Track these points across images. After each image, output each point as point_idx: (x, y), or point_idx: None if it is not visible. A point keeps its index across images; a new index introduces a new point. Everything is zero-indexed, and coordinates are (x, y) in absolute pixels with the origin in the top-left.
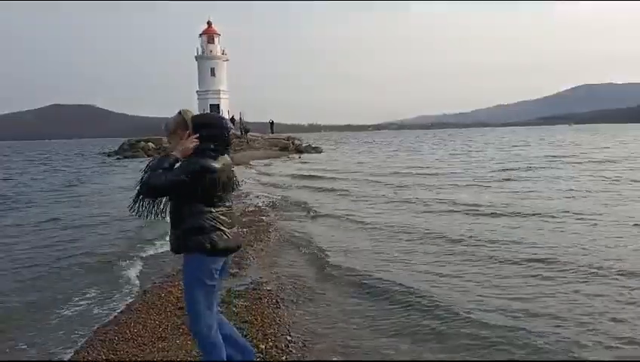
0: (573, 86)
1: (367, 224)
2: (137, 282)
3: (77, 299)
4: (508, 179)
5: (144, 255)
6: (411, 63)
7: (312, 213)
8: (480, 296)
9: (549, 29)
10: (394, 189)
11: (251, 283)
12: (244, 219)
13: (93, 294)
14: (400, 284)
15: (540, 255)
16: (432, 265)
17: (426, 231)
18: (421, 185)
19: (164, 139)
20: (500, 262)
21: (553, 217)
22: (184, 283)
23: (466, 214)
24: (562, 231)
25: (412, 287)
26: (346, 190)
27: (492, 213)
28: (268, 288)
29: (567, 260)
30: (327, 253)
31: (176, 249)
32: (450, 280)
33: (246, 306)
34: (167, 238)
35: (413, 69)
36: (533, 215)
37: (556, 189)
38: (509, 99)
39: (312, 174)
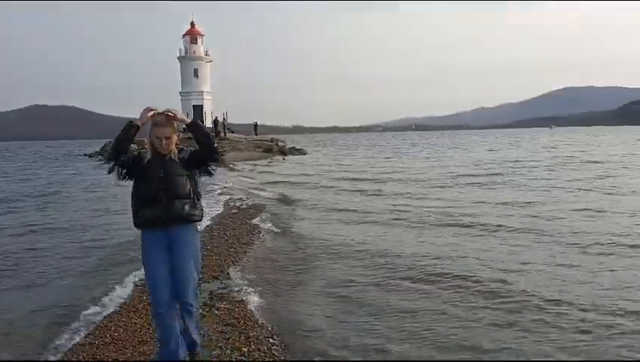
0: (556, 88)
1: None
2: (118, 286)
3: (55, 303)
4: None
5: (125, 257)
6: (397, 65)
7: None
8: None
9: (533, 32)
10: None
11: (234, 285)
12: (228, 221)
13: (73, 297)
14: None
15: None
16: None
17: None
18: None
19: (146, 140)
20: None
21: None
22: (195, 253)
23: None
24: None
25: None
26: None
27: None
28: (250, 290)
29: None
30: (309, 254)
31: (187, 218)
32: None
33: (228, 309)
34: (161, 210)
35: (399, 70)
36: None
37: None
38: (492, 101)
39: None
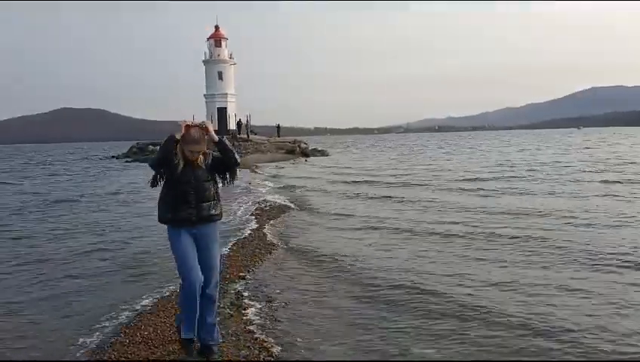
0: (584, 88)
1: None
2: (151, 284)
3: (84, 301)
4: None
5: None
6: (417, 65)
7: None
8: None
9: (561, 30)
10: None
11: (260, 285)
12: (253, 222)
13: (106, 297)
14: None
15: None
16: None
17: None
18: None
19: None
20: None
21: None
22: (217, 248)
23: None
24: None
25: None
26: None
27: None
28: (277, 290)
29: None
30: (335, 257)
31: (211, 218)
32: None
33: (255, 309)
34: (190, 212)
35: (420, 71)
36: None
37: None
38: (518, 101)
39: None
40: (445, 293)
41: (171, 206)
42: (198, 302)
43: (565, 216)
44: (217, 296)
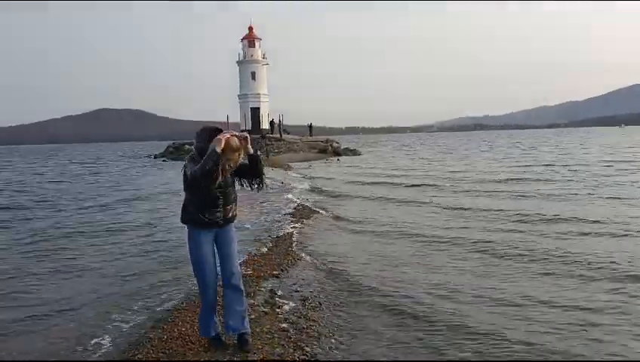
0: (623, 86)
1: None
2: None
3: (129, 296)
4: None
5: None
6: (451, 64)
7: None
8: None
9: (601, 26)
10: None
11: (294, 284)
12: (287, 222)
13: (146, 293)
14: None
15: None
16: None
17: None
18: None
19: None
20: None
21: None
22: (235, 242)
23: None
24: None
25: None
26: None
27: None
28: (310, 289)
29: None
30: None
31: (233, 219)
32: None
33: (289, 307)
34: (218, 215)
35: (455, 69)
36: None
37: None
38: (554, 99)
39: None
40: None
41: (200, 209)
42: (215, 301)
43: None
44: (242, 287)
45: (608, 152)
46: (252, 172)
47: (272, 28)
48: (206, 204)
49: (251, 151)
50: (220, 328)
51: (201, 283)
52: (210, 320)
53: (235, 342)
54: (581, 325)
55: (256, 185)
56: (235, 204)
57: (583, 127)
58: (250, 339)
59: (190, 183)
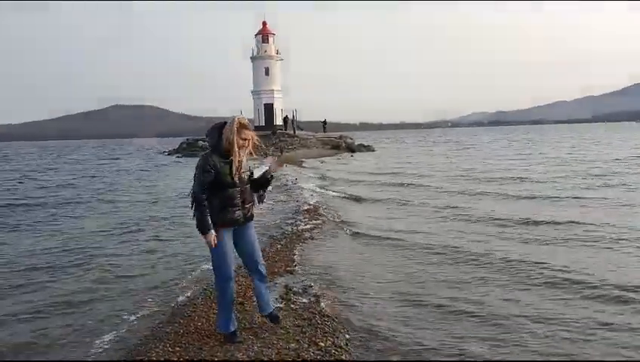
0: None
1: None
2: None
3: (147, 291)
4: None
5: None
6: (464, 59)
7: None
8: None
9: (616, 18)
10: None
11: (308, 280)
12: (300, 219)
13: (160, 288)
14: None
15: None
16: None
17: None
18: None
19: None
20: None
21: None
22: (255, 237)
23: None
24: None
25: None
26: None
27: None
28: (324, 285)
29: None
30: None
31: (252, 217)
32: None
33: (304, 303)
34: (238, 214)
35: (468, 63)
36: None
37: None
38: (570, 95)
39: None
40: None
41: (220, 208)
42: (233, 298)
43: None
44: (265, 276)
45: None
46: (258, 188)
47: (284, 24)
48: (225, 203)
49: (271, 172)
50: (237, 324)
51: (221, 279)
52: (229, 315)
53: (267, 322)
54: None
55: (257, 197)
56: (253, 204)
57: (604, 122)
58: (279, 315)
59: (192, 200)
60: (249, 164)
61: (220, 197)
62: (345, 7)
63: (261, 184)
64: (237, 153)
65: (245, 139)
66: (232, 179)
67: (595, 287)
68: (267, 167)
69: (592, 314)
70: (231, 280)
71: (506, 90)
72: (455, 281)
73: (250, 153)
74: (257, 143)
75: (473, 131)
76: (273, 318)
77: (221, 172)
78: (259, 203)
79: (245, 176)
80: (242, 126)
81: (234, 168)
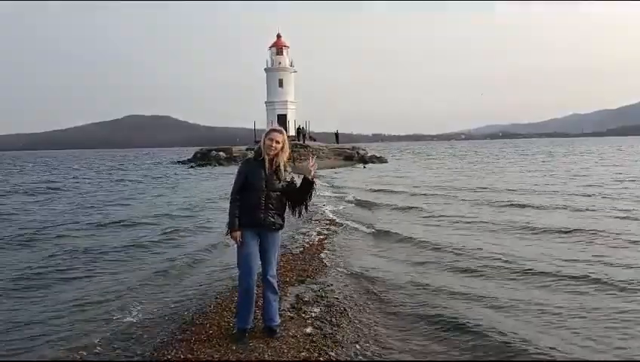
0: None
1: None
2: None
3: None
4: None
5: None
6: (477, 70)
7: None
8: None
9: (633, 30)
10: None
11: (320, 289)
12: (315, 230)
13: (170, 295)
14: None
15: None
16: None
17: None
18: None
19: (234, 148)
20: None
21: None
22: (276, 247)
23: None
24: None
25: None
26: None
27: None
28: (335, 296)
29: None
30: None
31: (276, 225)
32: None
33: (315, 312)
34: (259, 217)
35: (481, 73)
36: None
37: None
38: (586, 107)
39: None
40: None
41: (245, 209)
42: (253, 297)
43: None
44: (277, 288)
45: None
46: (299, 197)
47: (299, 36)
48: (250, 206)
49: (310, 176)
50: (252, 324)
51: (240, 275)
52: (249, 310)
53: (263, 332)
54: None
55: (297, 211)
56: (281, 215)
57: (619, 136)
58: (279, 329)
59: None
60: (292, 175)
61: (246, 198)
62: (358, 21)
63: (302, 191)
64: (265, 152)
65: (272, 140)
66: (262, 181)
67: None
68: (308, 164)
69: None
70: (249, 278)
71: (520, 102)
72: (460, 286)
73: (290, 158)
74: (289, 145)
75: (491, 143)
76: (269, 330)
77: (253, 175)
78: (299, 214)
79: (279, 184)
80: (273, 130)
81: (265, 168)
